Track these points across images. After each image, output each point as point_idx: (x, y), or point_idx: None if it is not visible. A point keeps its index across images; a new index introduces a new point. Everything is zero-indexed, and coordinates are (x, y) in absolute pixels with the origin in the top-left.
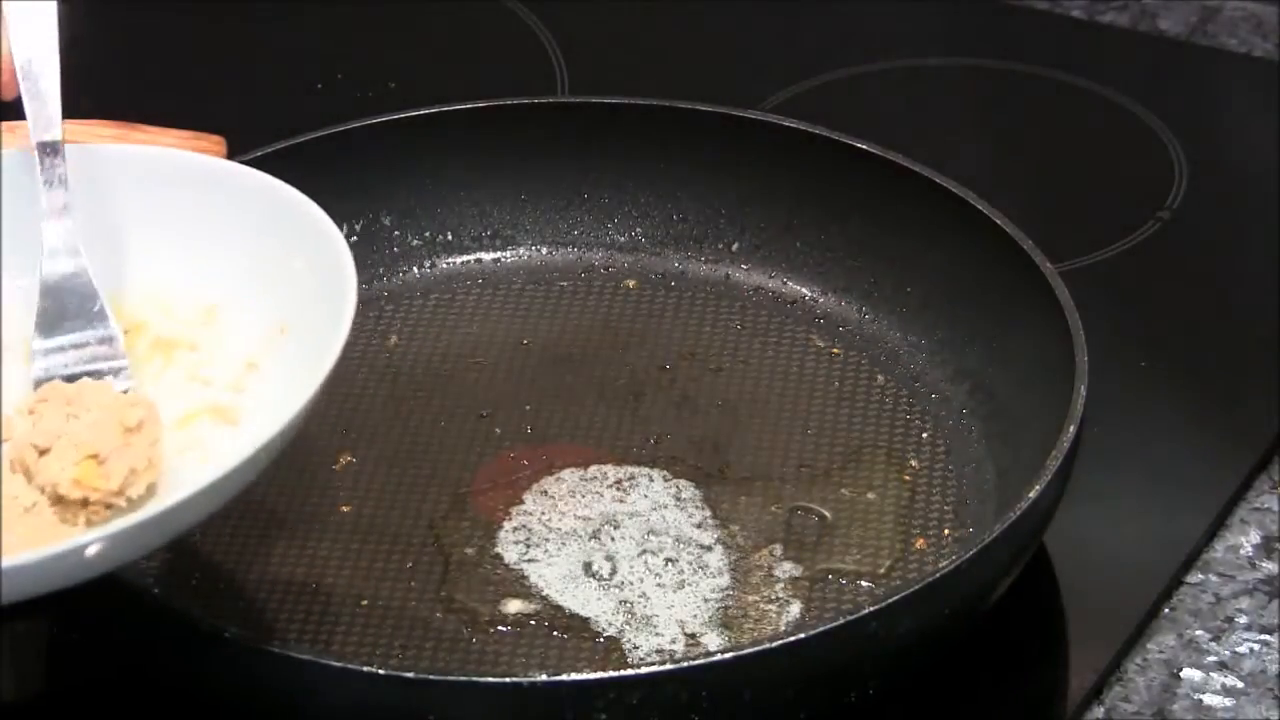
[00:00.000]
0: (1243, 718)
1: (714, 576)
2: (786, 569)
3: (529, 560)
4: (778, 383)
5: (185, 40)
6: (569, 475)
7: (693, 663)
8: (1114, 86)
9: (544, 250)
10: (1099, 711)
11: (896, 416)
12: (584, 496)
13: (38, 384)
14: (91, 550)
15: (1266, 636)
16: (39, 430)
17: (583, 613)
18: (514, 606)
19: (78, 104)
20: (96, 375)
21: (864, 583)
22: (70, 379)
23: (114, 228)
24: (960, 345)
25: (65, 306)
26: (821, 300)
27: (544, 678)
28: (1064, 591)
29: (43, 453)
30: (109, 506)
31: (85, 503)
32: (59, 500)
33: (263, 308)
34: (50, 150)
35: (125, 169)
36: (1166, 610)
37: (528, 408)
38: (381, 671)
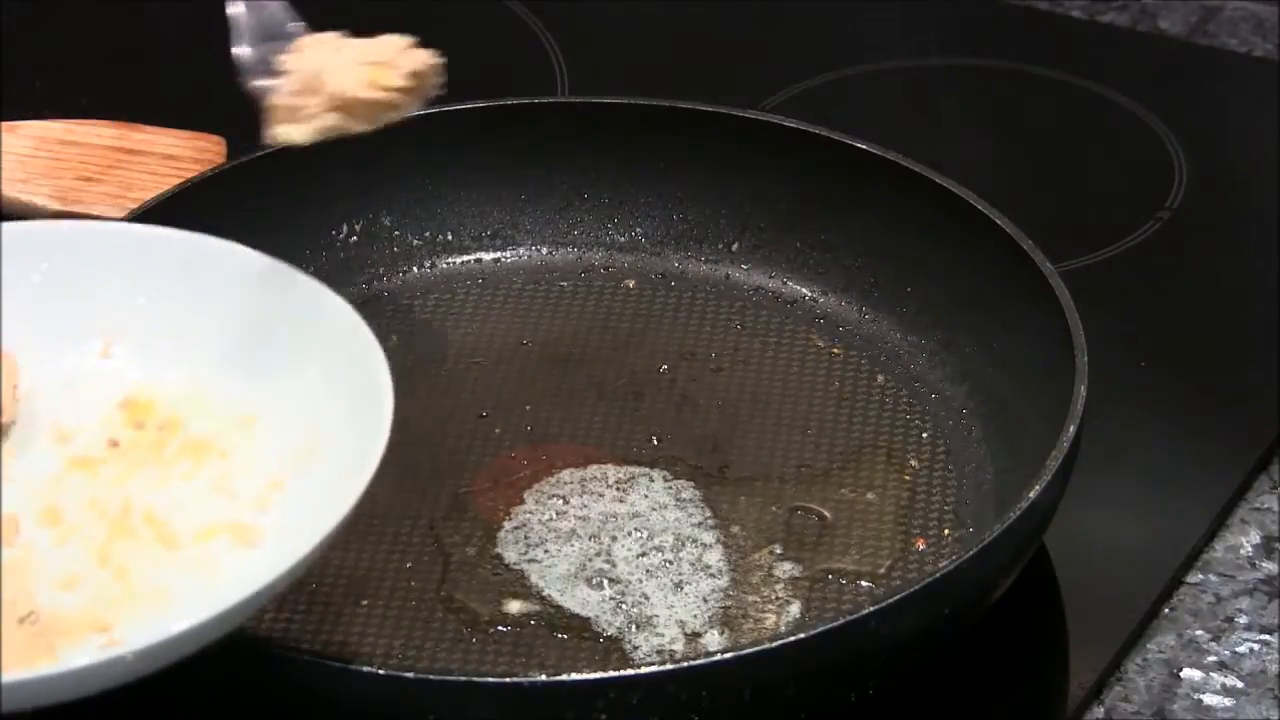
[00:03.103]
0: (1243, 718)
1: (714, 576)
2: (786, 569)
3: (529, 560)
4: (778, 383)
5: (185, 40)
6: (569, 475)
7: (693, 663)
8: (1114, 86)
9: (544, 250)
10: (1099, 711)
11: (896, 416)
12: (584, 496)
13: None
14: (81, 676)
15: (1266, 636)
16: (315, 57)
17: (583, 613)
18: (514, 606)
19: (78, 104)
20: None
21: (864, 583)
22: None
23: (163, 313)
24: (960, 345)
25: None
26: (821, 300)
27: (544, 678)
28: (1064, 591)
29: (327, 71)
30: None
31: (369, 102)
32: (350, 107)
33: (298, 424)
34: None
35: (183, 256)
36: (1166, 610)
37: (528, 408)
38: (381, 671)
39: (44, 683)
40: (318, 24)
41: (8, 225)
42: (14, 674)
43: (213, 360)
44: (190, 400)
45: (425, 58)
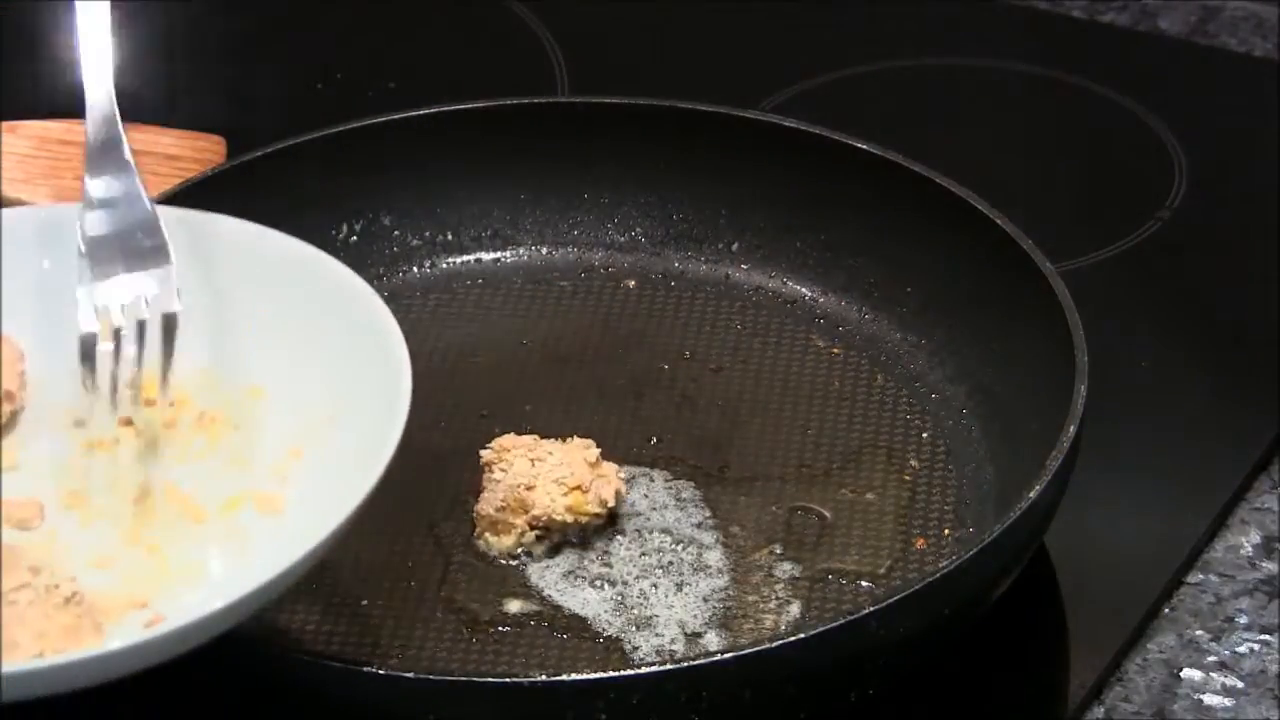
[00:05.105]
0: (1243, 718)
1: (714, 576)
2: (786, 569)
3: (529, 560)
4: (778, 383)
5: (184, 40)
6: None
7: (693, 663)
8: (1114, 86)
9: (544, 250)
10: (1099, 711)
11: (896, 416)
12: None
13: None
14: (131, 655)
15: (1266, 636)
16: (517, 473)
17: (582, 613)
18: (514, 606)
19: (78, 104)
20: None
21: (864, 583)
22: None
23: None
24: (960, 345)
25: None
26: (821, 300)
27: (544, 678)
28: (1064, 591)
29: (529, 488)
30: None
31: (567, 524)
32: (549, 525)
33: (310, 395)
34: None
35: (178, 235)
36: (1166, 610)
37: (528, 408)
38: (381, 671)
39: (95, 663)
40: (319, 21)
41: (8, 212)
42: (66, 655)
43: (217, 335)
44: (198, 376)
45: (615, 480)
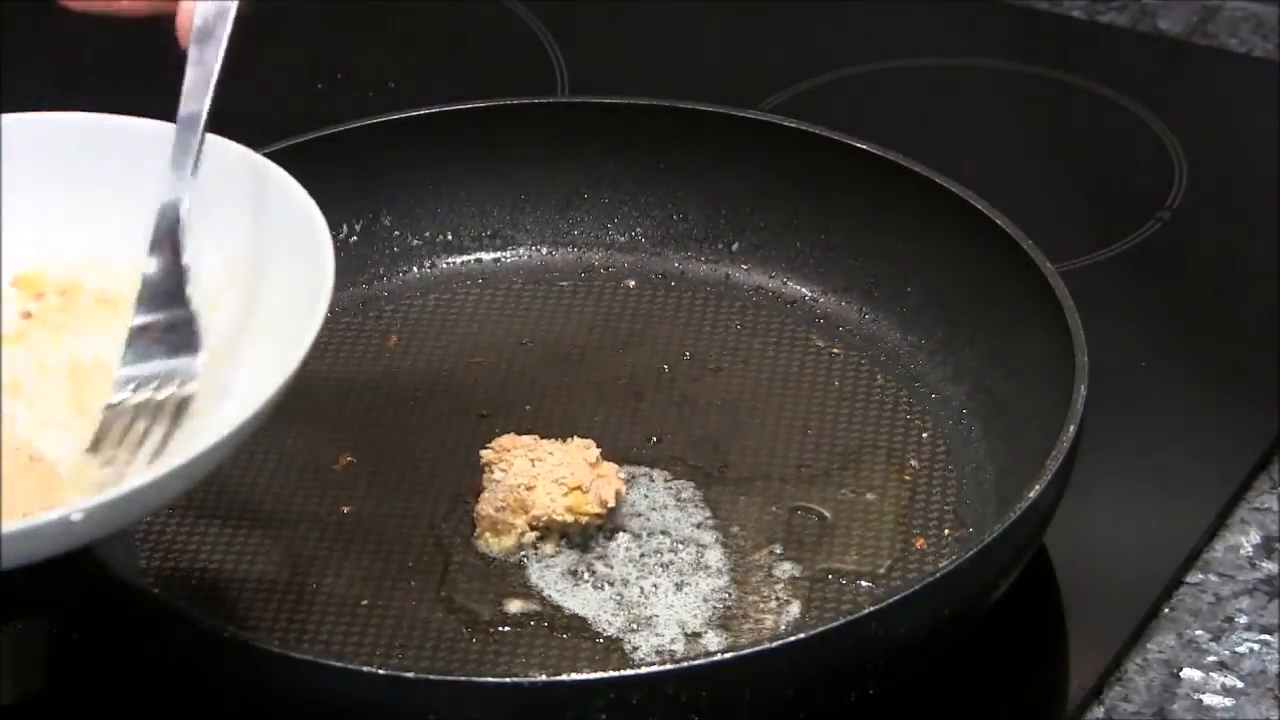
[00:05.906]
0: (1243, 718)
1: (714, 576)
2: (786, 569)
3: (529, 560)
4: (778, 383)
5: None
6: None
7: (693, 663)
8: (1114, 86)
9: (544, 250)
10: (1099, 711)
11: (896, 416)
12: None
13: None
14: (79, 519)
15: (1266, 636)
16: (517, 473)
17: (582, 613)
18: (514, 606)
19: (78, 104)
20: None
21: (864, 583)
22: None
23: (20, 199)
24: (960, 345)
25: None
26: (821, 300)
27: (544, 678)
28: (1064, 591)
29: (529, 488)
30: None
31: (567, 524)
32: (549, 525)
33: (208, 255)
34: (189, 124)
35: (49, 137)
36: (1166, 610)
37: (528, 408)
38: (381, 671)
39: (66, 524)
40: (319, 21)
41: None
42: (44, 516)
43: (101, 224)
44: (86, 265)
45: (615, 480)
